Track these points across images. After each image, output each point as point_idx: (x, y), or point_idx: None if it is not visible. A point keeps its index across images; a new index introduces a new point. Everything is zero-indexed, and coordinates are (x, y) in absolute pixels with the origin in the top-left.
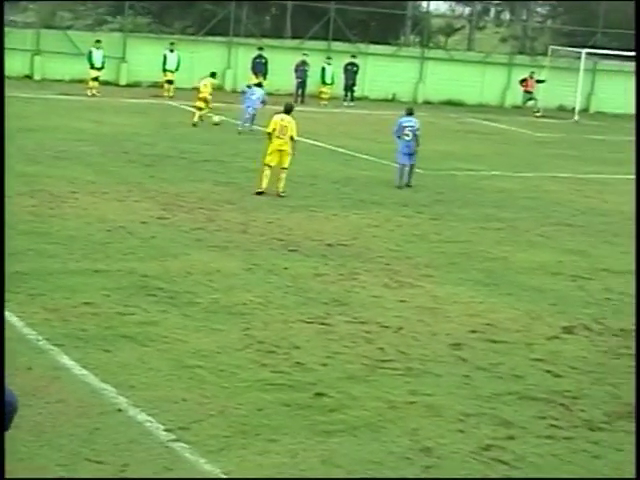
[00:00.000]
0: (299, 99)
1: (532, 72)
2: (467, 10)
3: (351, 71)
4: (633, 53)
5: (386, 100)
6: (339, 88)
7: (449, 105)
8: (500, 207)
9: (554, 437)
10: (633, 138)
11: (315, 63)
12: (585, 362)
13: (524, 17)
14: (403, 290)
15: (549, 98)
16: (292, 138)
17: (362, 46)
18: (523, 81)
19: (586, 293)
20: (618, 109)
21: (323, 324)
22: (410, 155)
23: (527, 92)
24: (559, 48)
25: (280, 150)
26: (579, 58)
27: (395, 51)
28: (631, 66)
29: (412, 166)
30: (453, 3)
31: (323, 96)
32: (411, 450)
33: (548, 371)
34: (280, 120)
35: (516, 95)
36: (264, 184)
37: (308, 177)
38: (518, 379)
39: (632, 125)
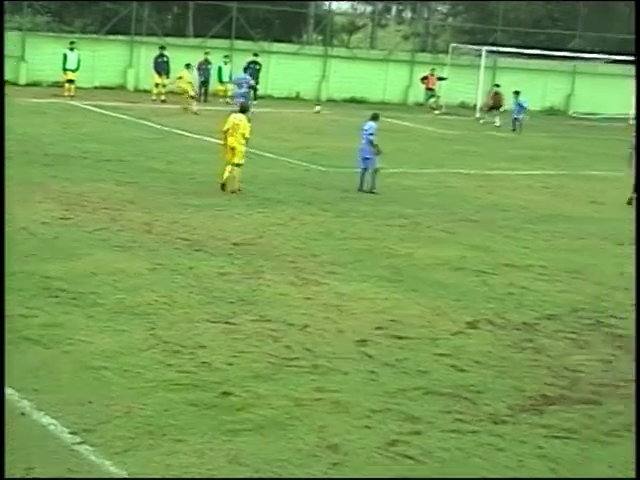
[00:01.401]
0: (202, 98)
1: (433, 69)
2: (369, 8)
3: (254, 69)
4: (532, 51)
5: (290, 98)
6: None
7: (352, 103)
8: (404, 204)
9: (459, 431)
10: (536, 134)
11: (219, 62)
12: (489, 356)
13: (425, 15)
14: (309, 288)
15: (451, 95)
16: (244, 136)
17: (265, 44)
18: (424, 78)
19: (489, 288)
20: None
21: (229, 323)
22: (364, 159)
23: (429, 89)
24: (460, 46)
25: (232, 148)
26: (480, 56)
27: (298, 49)
28: (530, 63)
29: (373, 171)
30: (355, 2)
31: (222, 95)
32: (318, 447)
33: (453, 366)
34: (233, 119)
35: (418, 92)
36: (238, 181)
37: (214, 176)
38: (423, 374)
39: (535, 122)
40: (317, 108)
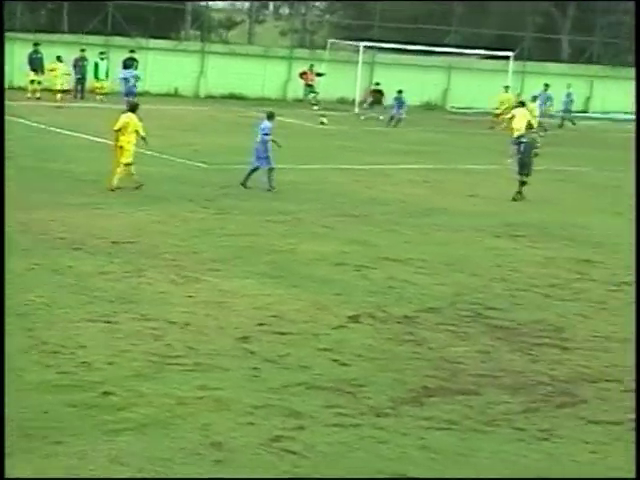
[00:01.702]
0: (79, 95)
1: (312, 65)
2: (246, 4)
3: (130, 66)
4: (409, 47)
5: (169, 95)
6: (116, 83)
7: (231, 99)
8: (285, 199)
9: (342, 425)
10: (414, 129)
11: (95, 58)
12: (370, 350)
13: (303, 11)
14: (190, 285)
15: (329, 91)
16: (138, 133)
17: (142, 41)
18: (303, 74)
19: (370, 282)
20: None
21: (109, 322)
22: (258, 158)
23: (308, 85)
24: (338, 42)
25: (120, 147)
26: (357, 51)
27: (176, 45)
28: (407, 59)
29: (268, 170)
30: None
31: (98, 91)
32: (201, 445)
33: (335, 360)
34: (126, 118)
35: (297, 88)
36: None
37: (92, 174)
38: (306, 369)
39: (413, 117)
40: (323, 120)
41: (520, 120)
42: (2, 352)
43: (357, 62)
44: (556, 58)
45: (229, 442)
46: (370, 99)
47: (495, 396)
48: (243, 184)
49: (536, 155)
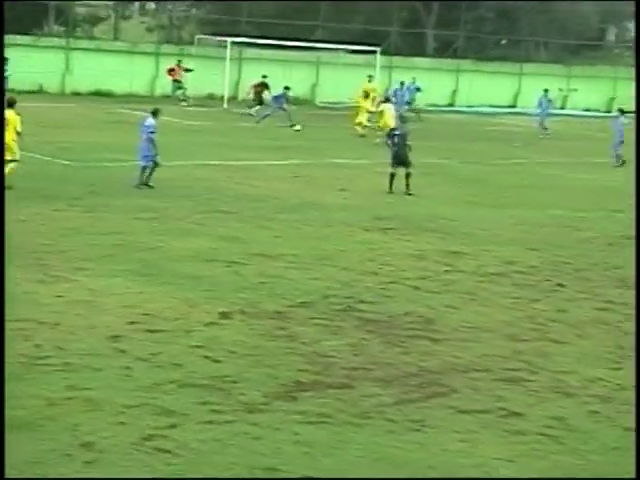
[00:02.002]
0: None
1: (179, 61)
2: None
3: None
4: (277, 42)
5: (32, 92)
6: None
7: (98, 95)
8: (154, 196)
9: (215, 422)
10: (283, 124)
11: None
12: (243, 346)
13: (169, 7)
14: (59, 285)
15: (198, 87)
16: (15, 130)
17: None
18: (171, 70)
19: (241, 278)
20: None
21: None
22: (144, 156)
23: (176, 81)
24: (205, 37)
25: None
26: (225, 47)
27: (34, 41)
28: (275, 54)
29: (145, 167)
30: None
31: None
32: (71, 446)
33: (207, 357)
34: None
35: (165, 84)
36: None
37: None
38: (178, 367)
39: (281, 112)
40: (297, 127)
41: (389, 114)
42: (2, 352)
43: (225, 58)
44: (422, 52)
45: (100, 442)
46: (252, 94)
47: (367, 389)
48: (145, 184)
49: (410, 149)
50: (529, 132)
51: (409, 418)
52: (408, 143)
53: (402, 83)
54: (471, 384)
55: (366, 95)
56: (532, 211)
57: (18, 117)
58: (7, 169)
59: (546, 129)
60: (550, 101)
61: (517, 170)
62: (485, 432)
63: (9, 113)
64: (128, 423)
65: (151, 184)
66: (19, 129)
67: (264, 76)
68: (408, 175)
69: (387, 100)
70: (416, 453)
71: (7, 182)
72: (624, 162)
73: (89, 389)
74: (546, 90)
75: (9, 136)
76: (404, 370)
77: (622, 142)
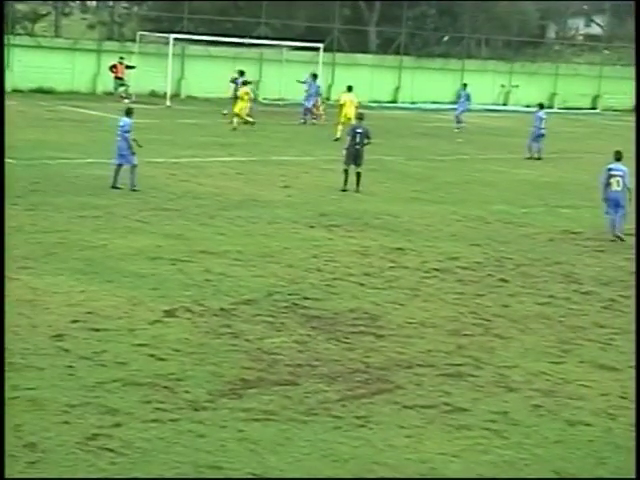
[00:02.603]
0: None
1: (121, 58)
2: None
3: None
4: (219, 38)
5: None
6: None
7: (39, 93)
8: (97, 195)
9: (160, 420)
10: (224, 121)
11: None
12: (187, 344)
13: (110, 4)
14: None
15: (141, 84)
16: None
17: None
18: (113, 67)
19: (186, 276)
20: (208, 93)
21: None
22: (119, 155)
23: (118, 78)
24: (147, 34)
25: None
26: (167, 44)
27: None
28: (218, 51)
29: (131, 167)
30: None
31: None
32: (15, 447)
33: (151, 355)
34: None
35: (107, 82)
36: None
37: None
38: (122, 366)
39: (224, 109)
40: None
41: (350, 107)
42: (2, 351)
43: (167, 54)
44: (365, 49)
45: (43, 442)
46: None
47: (312, 385)
48: (114, 186)
49: (369, 144)
50: (471, 128)
51: (354, 414)
52: (367, 141)
53: (315, 75)
54: (416, 380)
55: None
56: (475, 207)
57: None
58: None
59: (460, 123)
60: (468, 95)
61: (460, 166)
62: (430, 427)
63: None
64: (72, 422)
65: (136, 187)
66: None
67: (241, 72)
68: (359, 174)
69: (349, 90)
70: (362, 449)
71: None
72: (539, 158)
73: (32, 389)
74: (464, 85)
75: None
76: (349, 366)
77: (542, 135)
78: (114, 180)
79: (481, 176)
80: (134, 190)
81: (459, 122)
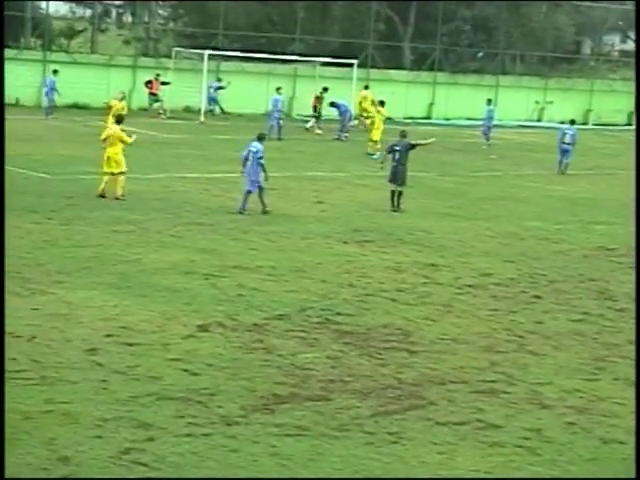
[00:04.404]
0: None
1: (157, 74)
2: (88, 12)
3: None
4: (254, 55)
5: (9, 105)
6: None
7: (75, 108)
8: (130, 209)
9: (193, 435)
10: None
11: None
12: (220, 358)
13: (146, 19)
14: (35, 298)
15: (175, 100)
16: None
17: None
18: (148, 83)
19: (219, 290)
20: (242, 109)
21: None
22: (250, 181)
23: (152, 94)
24: (182, 50)
25: None
26: (202, 60)
27: (16, 54)
28: (252, 67)
29: (259, 191)
30: (73, 5)
31: None
32: (48, 460)
33: (185, 370)
34: None
35: (142, 97)
36: None
37: None
38: (155, 380)
39: (259, 125)
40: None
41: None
42: (2, 350)
43: (202, 70)
44: (399, 65)
45: (77, 456)
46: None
47: (345, 401)
48: (241, 211)
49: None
50: (505, 144)
51: (387, 430)
52: (414, 146)
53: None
54: (448, 396)
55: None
56: (508, 223)
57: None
58: (120, 183)
59: (488, 139)
60: (492, 112)
61: (494, 182)
62: (463, 444)
63: (116, 128)
64: (105, 436)
65: (268, 209)
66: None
67: (325, 89)
68: (399, 194)
69: (382, 104)
70: (394, 465)
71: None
72: (562, 173)
73: (66, 402)
74: (489, 100)
75: (116, 150)
76: (381, 382)
77: (567, 151)
78: (243, 205)
79: (515, 192)
80: (266, 212)
81: (487, 138)
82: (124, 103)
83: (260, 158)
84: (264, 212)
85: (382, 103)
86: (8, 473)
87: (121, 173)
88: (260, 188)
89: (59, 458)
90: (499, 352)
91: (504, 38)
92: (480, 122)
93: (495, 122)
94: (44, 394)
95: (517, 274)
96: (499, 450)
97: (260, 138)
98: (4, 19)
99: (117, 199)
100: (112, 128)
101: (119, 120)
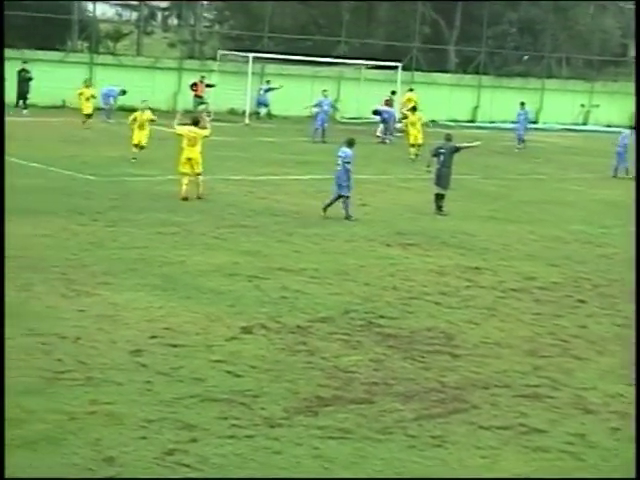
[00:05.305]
0: None
1: (203, 76)
2: (134, 15)
3: (25, 78)
4: (299, 57)
5: (56, 107)
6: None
7: (121, 110)
8: (175, 211)
9: (236, 436)
10: (303, 139)
11: None
12: (264, 360)
13: (192, 22)
14: (80, 299)
15: (220, 102)
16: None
17: (28, 52)
18: (194, 85)
19: (262, 292)
20: (286, 111)
21: None
22: (339, 186)
23: (198, 97)
24: (227, 52)
25: None
26: (247, 62)
27: (63, 57)
28: (297, 69)
29: (345, 198)
30: (119, 7)
31: None
32: (93, 461)
33: (228, 372)
34: None
35: (187, 99)
36: None
37: None
38: (199, 382)
39: (303, 127)
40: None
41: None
42: (2, 352)
43: (247, 73)
44: (443, 68)
45: (121, 457)
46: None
47: (388, 404)
48: (347, 217)
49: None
50: (550, 148)
51: (430, 434)
52: (461, 148)
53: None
54: (492, 400)
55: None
56: (552, 227)
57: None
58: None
59: (523, 142)
60: (527, 114)
61: (538, 185)
62: (506, 448)
63: (195, 129)
64: (149, 437)
65: (352, 216)
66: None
67: (393, 92)
68: (441, 197)
69: (414, 110)
70: (437, 469)
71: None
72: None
73: (110, 403)
74: (522, 103)
75: (197, 150)
76: (425, 385)
77: (618, 154)
78: (346, 212)
79: (559, 195)
80: (348, 219)
81: (521, 141)
82: (148, 112)
83: (347, 163)
84: (325, 209)
85: (414, 109)
86: (54, 473)
87: (199, 173)
88: (344, 196)
89: (104, 459)
90: (543, 356)
91: (550, 41)
92: (529, 125)
93: (540, 126)
94: (89, 395)
95: (561, 278)
96: (542, 455)
97: (350, 143)
98: (3, 19)
99: (199, 198)
100: (192, 130)
101: (196, 122)
